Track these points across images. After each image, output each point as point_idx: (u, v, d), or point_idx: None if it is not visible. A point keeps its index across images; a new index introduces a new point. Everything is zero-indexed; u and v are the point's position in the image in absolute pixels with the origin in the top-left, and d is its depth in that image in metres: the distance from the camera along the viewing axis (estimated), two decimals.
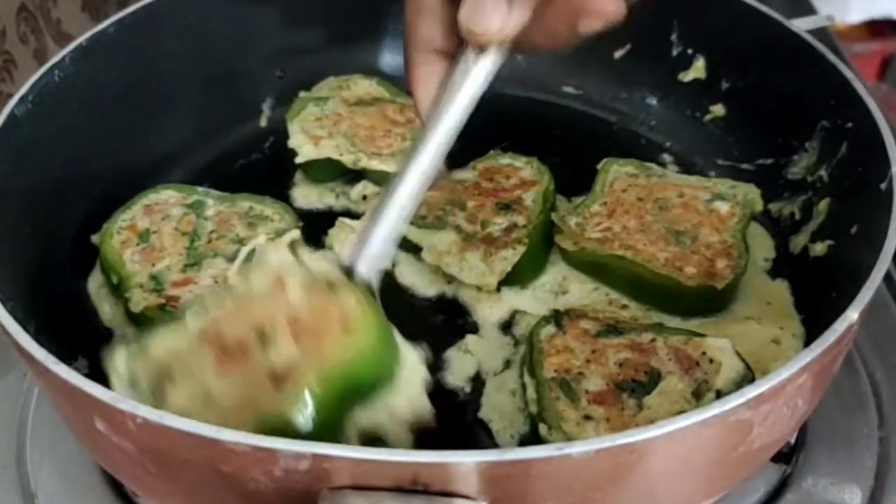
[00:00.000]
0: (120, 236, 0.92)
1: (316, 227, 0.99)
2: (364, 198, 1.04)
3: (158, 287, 0.88)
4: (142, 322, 0.87)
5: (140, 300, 0.87)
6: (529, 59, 1.21)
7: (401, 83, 1.15)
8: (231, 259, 0.88)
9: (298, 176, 1.06)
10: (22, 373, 0.93)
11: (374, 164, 1.02)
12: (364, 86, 1.13)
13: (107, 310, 0.91)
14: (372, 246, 0.72)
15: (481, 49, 0.67)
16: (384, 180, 1.02)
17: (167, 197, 0.96)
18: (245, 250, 0.84)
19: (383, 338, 0.71)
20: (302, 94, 1.11)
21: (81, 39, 0.96)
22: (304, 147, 1.03)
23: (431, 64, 0.72)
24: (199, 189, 0.97)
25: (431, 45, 0.71)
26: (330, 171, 1.04)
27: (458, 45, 0.69)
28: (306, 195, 1.05)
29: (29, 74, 0.91)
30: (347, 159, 1.02)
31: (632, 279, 0.90)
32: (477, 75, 0.68)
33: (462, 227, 0.93)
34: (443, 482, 0.58)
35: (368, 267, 0.72)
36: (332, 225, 0.99)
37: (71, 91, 0.94)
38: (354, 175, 1.04)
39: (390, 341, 0.71)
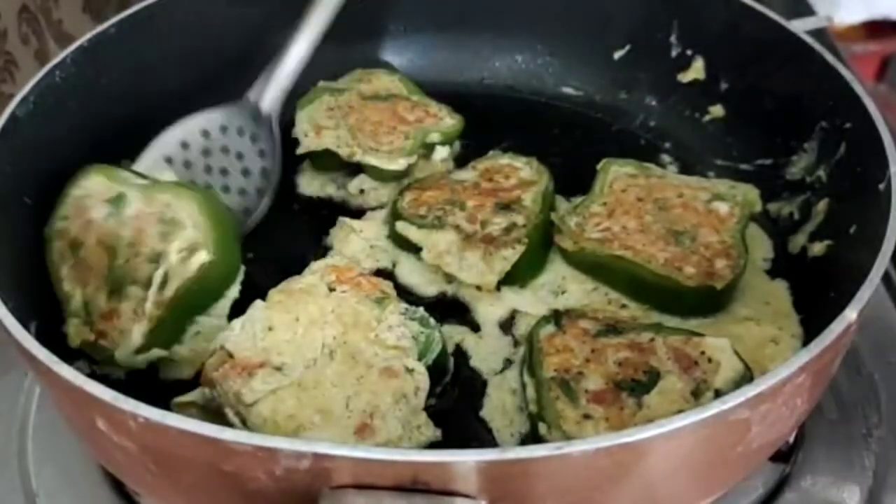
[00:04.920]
0: (58, 245, 0.87)
1: (314, 215, 1.03)
2: (361, 191, 1.05)
3: (89, 319, 0.84)
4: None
5: (76, 335, 0.83)
6: (529, 61, 1.22)
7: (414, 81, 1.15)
8: (146, 286, 0.84)
9: (306, 163, 1.08)
10: (22, 372, 0.93)
11: (369, 159, 1.02)
12: (385, 80, 1.14)
13: None
14: (274, 84, 1.00)
15: None
16: (379, 176, 1.03)
17: (95, 186, 0.90)
18: (156, 279, 0.84)
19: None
20: (321, 83, 1.12)
21: (83, 40, 0.96)
22: (306, 137, 1.04)
23: None
24: (122, 174, 0.91)
25: None
26: (332, 161, 1.04)
27: None
28: (309, 183, 1.07)
29: (30, 75, 0.91)
30: (344, 152, 1.03)
31: (631, 279, 0.90)
32: None
33: (462, 227, 0.94)
34: (443, 481, 0.58)
35: (271, 103, 1.00)
36: (329, 213, 1.01)
37: (72, 92, 0.94)
38: (355, 168, 1.04)
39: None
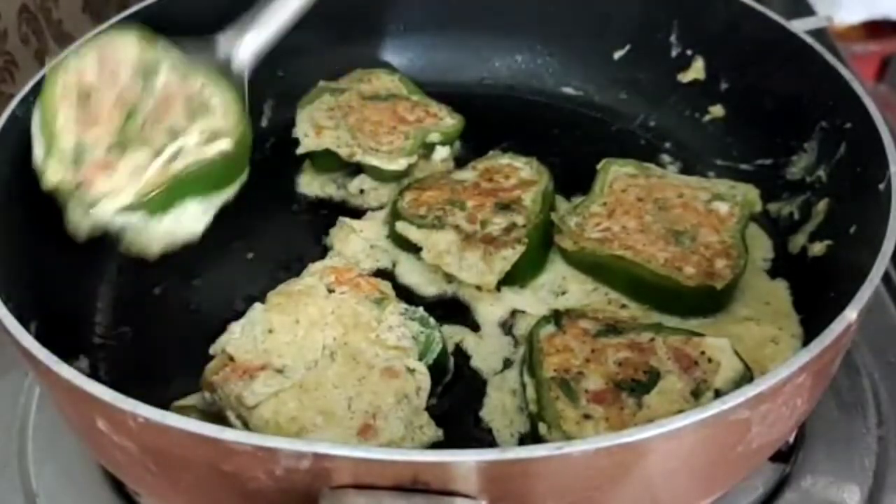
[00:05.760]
0: (64, 84, 0.84)
1: (314, 215, 1.03)
2: (361, 191, 1.05)
3: (78, 161, 0.81)
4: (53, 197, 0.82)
5: (55, 173, 0.80)
6: (529, 61, 1.22)
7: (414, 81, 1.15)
8: (157, 153, 0.83)
9: (306, 163, 1.08)
10: (22, 372, 0.93)
11: (369, 159, 1.02)
12: (385, 80, 1.14)
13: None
14: (255, 37, 0.84)
15: None
16: (379, 176, 1.03)
17: (129, 48, 0.87)
18: (169, 150, 0.82)
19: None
20: (321, 83, 1.12)
21: (83, 40, 0.96)
22: (306, 137, 1.04)
23: None
24: (161, 46, 0.88)
25: None
26: (333, 161, 1.05)
27: None
28: (309, 183, 1.07)
29: (30, 75, 0.91)
30: (344, 152, 1.03)
31: (631, 279, 0.90)
32: None
33: (462, 227, 0.94)
34: (443, 481, 0.58)
35: (243, 58, 0.86)
36: (329, 213, 1.02)
37: None
38: (355, 168, 1.05)
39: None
